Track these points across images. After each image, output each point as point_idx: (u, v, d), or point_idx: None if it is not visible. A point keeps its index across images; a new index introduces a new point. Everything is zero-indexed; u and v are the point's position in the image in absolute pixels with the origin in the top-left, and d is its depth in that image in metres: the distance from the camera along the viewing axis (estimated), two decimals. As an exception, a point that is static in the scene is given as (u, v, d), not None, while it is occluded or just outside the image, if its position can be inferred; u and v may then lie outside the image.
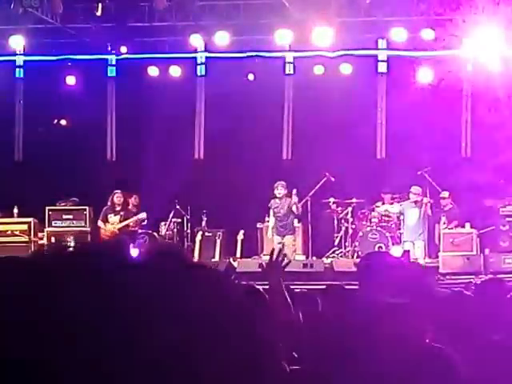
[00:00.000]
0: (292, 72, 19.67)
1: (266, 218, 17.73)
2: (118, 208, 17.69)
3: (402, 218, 17.67)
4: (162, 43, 19.65)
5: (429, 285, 5.17)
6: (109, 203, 17.69)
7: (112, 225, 17.58)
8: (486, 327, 4.46)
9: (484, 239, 17.33)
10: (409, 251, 16.84)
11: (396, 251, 15.96)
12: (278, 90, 19.65)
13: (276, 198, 16.98)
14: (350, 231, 17.77)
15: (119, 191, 17.74)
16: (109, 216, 17.65)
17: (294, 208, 16.82)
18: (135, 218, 17.88)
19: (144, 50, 19.56)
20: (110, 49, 19.53)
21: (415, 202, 17.39)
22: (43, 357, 0.98)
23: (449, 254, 16.80)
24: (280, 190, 16.89)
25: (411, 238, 17.27)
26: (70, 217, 17.78)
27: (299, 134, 19.66)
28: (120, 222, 17.64)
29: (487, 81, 18.36)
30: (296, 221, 17.30)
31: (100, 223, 17.67)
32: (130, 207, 18.27)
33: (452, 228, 17.45)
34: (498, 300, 4.85)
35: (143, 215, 17.93)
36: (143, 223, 18.35)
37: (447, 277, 15.87)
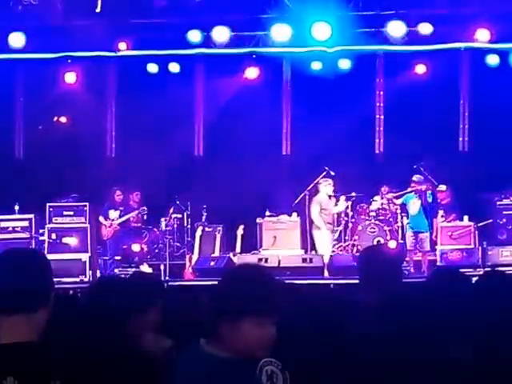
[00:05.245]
0: (290, 67, 19.73)
1: (266, 213, 17.82)
2: (117, 204, 18.01)
3: (400, 210, 17.72)
4: (161, 40, 19.69)
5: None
6: (109, 200, 17.98)
7: (112, 220, 17.86)
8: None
9: (482, 232, 17.42)
10: (404, 243, 16.95)
11: (392, 245, 16.07)
12: (276, 86, 19.73)
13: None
14: (350, 225, 17.85)
15: (119, 189, 17.96)
16: (109, 212, 17.91)
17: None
18: (135, 212, 18.17)
19: (143, 47, 19.59)
20: (109, 46, 19.56)
21: (415, 192, 17.26)
22: None
23: (447, 248, 16.89)
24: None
25: (415, 228, 17.15)
26: (71, 213, 17.84)
27: (298, 129, 19.75)
28: (120, 217, 17.91)
29: (484, 75, 18.46)
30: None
31: (101, 219, 17.93)
32: (131, 203, 18.49)
33: (450, 221, 17.52)
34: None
35: (143, 209, 18.21)
36: (144, 217, 18.57)
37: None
